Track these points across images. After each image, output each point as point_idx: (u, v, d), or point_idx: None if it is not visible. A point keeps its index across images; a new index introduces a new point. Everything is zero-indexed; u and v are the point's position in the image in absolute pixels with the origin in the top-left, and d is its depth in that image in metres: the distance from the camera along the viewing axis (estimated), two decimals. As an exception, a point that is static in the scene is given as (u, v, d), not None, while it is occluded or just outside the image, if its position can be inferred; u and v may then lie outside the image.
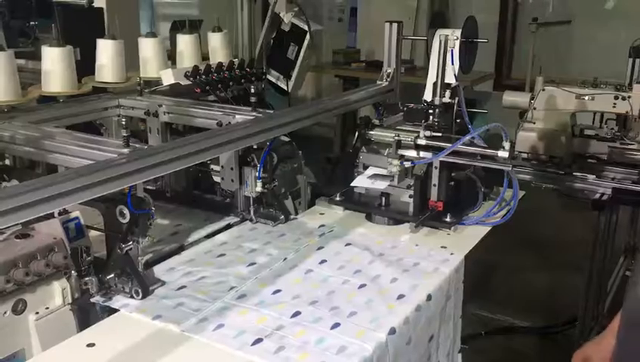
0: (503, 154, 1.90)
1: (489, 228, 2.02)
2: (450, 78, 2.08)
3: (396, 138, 2.01)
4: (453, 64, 2.06)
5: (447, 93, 2.06)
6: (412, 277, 1.71)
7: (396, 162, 1.96)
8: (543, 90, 2.81)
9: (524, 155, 2.86)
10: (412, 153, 2.01)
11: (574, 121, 2.86)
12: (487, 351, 3.30)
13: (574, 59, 6.03)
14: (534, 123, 2.83)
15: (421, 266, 1.77)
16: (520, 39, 6.36)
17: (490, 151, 1.94)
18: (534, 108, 2.82)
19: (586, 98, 2.72)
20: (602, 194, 2.64)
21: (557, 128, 2.79)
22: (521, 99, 2.92)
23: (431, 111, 2.08)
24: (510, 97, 2.96)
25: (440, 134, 2.01)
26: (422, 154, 2.00)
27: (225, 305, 1.54)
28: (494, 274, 3.95)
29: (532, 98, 2.84)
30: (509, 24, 6.41)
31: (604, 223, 2.78)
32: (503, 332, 3.48)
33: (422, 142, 1.99)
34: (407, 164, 1.97)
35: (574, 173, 2.75)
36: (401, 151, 2.00)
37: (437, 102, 2.07)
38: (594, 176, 2.71)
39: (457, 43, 2.06)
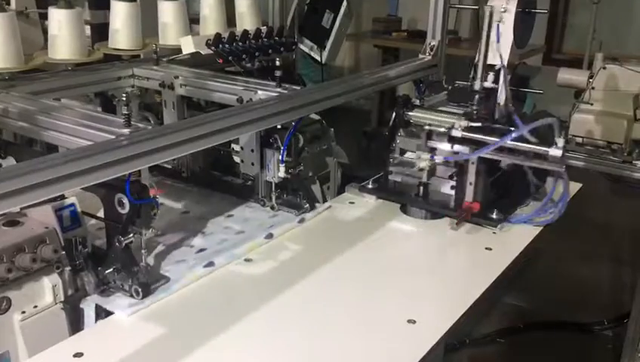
0: (555, 152, 1.61)
1: (540, 228, 1.78)
2: (494, 59, 1.79)
3: (427, 128, 1.77)
4: (498, 42, 1.78)
5: (490, 76, 1.78)
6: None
7: (426, 156, 1.75)
8: (604, 68, 2.60)
9: (579, 140, 2.64)
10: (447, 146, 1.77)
11: (637, 104, 2.62)
12: (526, 346, 3.11)
13: (635, 35, 5.63)
14: (592, 104, 2.63)
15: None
16: (575, 10, 5.98)
17: (540, 149, 1.64)
18: (592, 88, 2.61)
19: (652, 78, 2.49)
20: (664, 186, 2.41)
21: (617, 111, 2.58)
22: (577, 78, 2.71)
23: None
24: (566, 75, 2.74)
25: (479, 124, 1.74)
26: (456, 147, 1.75)
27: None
28: (535, 263, 3.72)
29: (590, 76, 2.62)
30: (564, -7, 6.03)
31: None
32: (543, 326, 3.25)
33: (457, 133, 1.73)
34: (439, 160, 1.76)
35: (634, 162, 2.52)
36: (434, 143, 1.77)
37: (477, 86, 1.80)
38: (656, 166, 2.48)
39: (507, 16, 1.78)
